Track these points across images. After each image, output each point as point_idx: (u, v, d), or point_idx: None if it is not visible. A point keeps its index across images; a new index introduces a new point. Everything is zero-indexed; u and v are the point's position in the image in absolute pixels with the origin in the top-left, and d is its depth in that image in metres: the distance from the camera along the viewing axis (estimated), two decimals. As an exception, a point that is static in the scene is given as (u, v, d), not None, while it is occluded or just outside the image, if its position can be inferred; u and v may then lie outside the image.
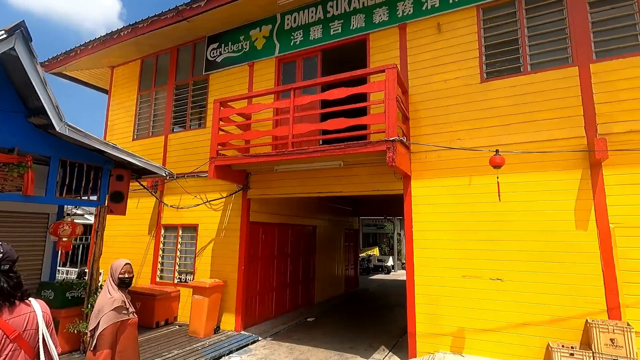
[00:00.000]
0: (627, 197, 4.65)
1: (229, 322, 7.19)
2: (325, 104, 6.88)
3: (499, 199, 4.77)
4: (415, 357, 5.52)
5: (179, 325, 7.42)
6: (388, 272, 18.50)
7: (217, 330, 6.95)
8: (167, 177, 8.25)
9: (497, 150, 4.78)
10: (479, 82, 5.76)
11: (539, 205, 5.07)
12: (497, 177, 4.80)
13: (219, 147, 6.70)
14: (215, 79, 8.52)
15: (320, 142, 7.03)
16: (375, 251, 20.41)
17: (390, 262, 18.82)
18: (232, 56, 8.33)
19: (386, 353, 6.13)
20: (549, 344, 4.68)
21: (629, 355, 4.17)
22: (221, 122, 6.87)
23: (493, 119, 5.56)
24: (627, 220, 4.61)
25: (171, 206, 8.17)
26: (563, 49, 5.33)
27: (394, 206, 13.02)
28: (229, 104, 6.99)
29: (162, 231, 8.47)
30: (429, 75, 6.18)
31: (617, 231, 4.64)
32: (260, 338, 6.90)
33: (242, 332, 7.02)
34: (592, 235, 4.76)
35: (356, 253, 13.92)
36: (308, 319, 8.54)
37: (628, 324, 4.32)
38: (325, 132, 6.46)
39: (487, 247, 5.30)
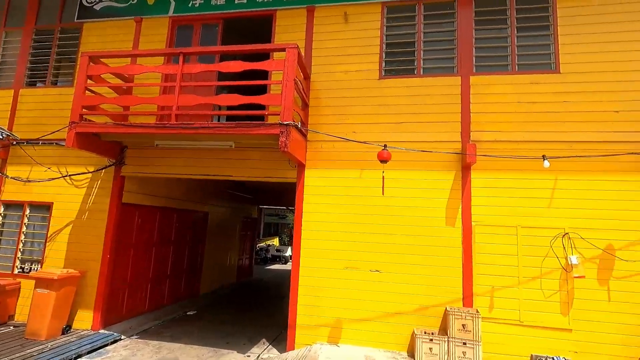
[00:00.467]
0: (487, 198, 5.22)
1: (86, 319, 6.07)
2: (227, 79, 6.26)
3: (383, 193, 4.89)
4: (294, 349, 5.40)
5: (14, 326, 5.99)
6: (285, 262, 18.54)
7: (66, 330, 5.79)
8: (13, 142, 6.63)
9: (385, 145, 4.88)
10: (377, 78, 5.85)
11: (417, 202, 5.38)
12: (383, 172, 4.91)
13: (84, 110, 5.51)
14: (92, 30, 7.07)
15: (224, 120, 6.40)
16: (275, 241, 20.27)
17: (288, 252, 18.87)
18: (115, 6, 7.01)
19: (266, 346, 5.90)
20: (414, 330, 5.01)
21: (475, 338, 4.69)
22: (90, 81, 5.69)
23: (387, 115, 5.71)
24: (485, 219, 5.18)
25: (14, 178, 6.53)
26: (450, 58, 5.73)
27: (293, 196, 12.96)
28: (102, 60, 5.81)
29: (2, 209, 6.74)
30: (332, 64, 6.06)
31: (476, 228, 5.19)
32: (123, 337, 5.99)
33: (102, 331, 6.00)
34: (457, 231, 5.23)
35: (253, 242, 13.50)
36: (188, 313, 7.84)
37: (477, 311, 4.86)
38: (230, 109, 5.81)
39: (370, 240, 5.44)
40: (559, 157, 5.02)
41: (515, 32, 5.57)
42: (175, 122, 5.13)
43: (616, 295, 4.75)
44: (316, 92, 6.04)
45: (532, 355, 4.78)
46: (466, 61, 5.61)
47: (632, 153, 4.84)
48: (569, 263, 4.82)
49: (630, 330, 4.65)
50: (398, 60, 5.91)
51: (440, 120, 5.52)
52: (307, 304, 5.48)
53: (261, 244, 19.12)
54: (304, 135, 5.77)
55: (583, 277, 4.72)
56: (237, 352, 5.62)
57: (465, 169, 5.32)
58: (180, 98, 5.20)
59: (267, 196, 14.04)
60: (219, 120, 7.88)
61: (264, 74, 6.07)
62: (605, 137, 5.02)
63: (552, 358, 4.69)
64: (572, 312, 4.80)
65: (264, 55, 6.02)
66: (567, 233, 4.93)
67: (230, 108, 5.99)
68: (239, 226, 12.04)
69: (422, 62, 5.79)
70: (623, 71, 5.14)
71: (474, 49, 5.65)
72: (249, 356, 5.49)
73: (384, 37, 5.98)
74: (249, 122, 5.04)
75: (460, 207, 5.27)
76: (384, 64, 5.91)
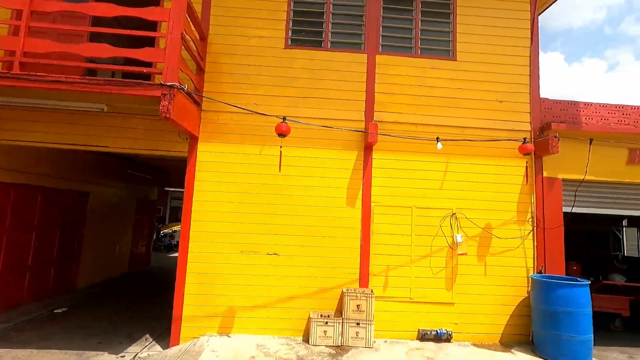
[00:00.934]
0: (386, 179, 5.24)
1: None
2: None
3: (280, 170, 4.53)
4: (178, 344, 4.81)
5: None
6: (194, 249, 17.27)
7: None
8: None
9: (284, 118, 4.50)
10: (283, 48, 5.40)
11: (319, 182, 5.16)
12: (281, 147, 4.54)
13: None
14: None
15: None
16: (183, 227, 18.72)
17: (197, 238, 17.58)
18: None
19: (148, 343, 5.17)
20: (310, 314, 4.82)
21: (368, 318, 4.70)
22: None
23: (291, 88, 5.32)
24: (383, 199, 5.20)
25: None
26: (358, 35, 5.55)
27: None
28: None
29: None
30: (234, 26, 5.41)
31: (375, 209, 5.18)
32: (-52, 347, 4.67)
33: None
34: (357, 212, 5.16)
35: (151, 228, 12.15)
36: (57, 310, 6.56)
37: (372, 291, 4.87)
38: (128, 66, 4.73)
39: (269, 221, 5.07)
40: (451, 140, 5.24)
41: (420, 16, 5.62)
42: (18, 72, 3.99)
43: (491, 269, 5.20)
44: (214, 56, 5.34)
45: (419, 329, 5.00)
46: (373, 39, 5.49)
47: (510, 140, 5.28)
48: (455, 241, 5.11)
49: (501, 301, 5.13)
50: (306, 31, 5.53)
51: (345, 98, 5.34)
52: (196, 293, 4.90)
53: (166, 230, 17.51)
54: (197, 104, 5.07)
55: (465, 254, 5.05)
56: (109, 353, 4.79)
57: (367, 149, 5.25)
58: (27, 42, 4.06)
59: (173, 177, 12.70)
60: (113, 77, 6.63)
61: (148, 26, 5.14)
62: (490, 125, 5.39)
63: (436, 331, 4.96)
64: (455, 287, 5.13)
65: (151, 3, 5.07)
66: (454, 213, 5.21)
67: (114, 63, 4.96)
68: (133, 209, 10.65)
69: (330, 35, 5.51)
70: (505, 64, 5.55)
71: (381, 28, 5.55)
72: (123, 356, 4.71)
73: (292, 4, 5.53)
74: (124, 80, 4.17)
75: (361, 187, 5.20)
76: (290, 33, 5.47)
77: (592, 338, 4.56)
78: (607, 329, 6.61)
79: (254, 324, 4.91)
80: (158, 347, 5.04)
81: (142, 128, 5.14)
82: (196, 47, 4.97)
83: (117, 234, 9.72)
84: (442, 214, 5.21)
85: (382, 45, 5.52)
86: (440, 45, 5.60)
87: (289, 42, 5.44)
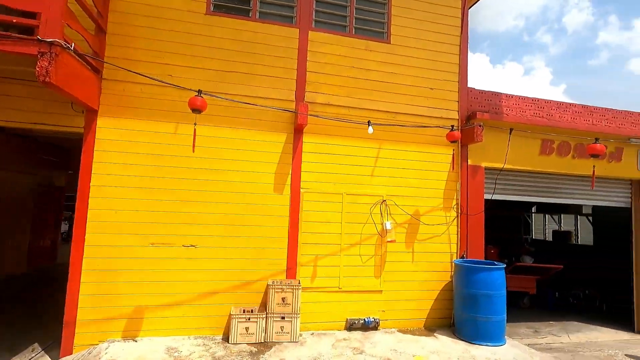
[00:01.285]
0: (316, 164, 4.96)
1: None
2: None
3: (193, 150, 3.98)
4: (71, 353, 4.09)
5: None
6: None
7: None
8: None
9: (199, 91, 3.94)
10: (204, 13, 4.77)
11: (244, 166, 4.71)
12: (195, 124, 3.99)
13: None
14: None
15: None
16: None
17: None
18: None
19: (34, 355, 4.34)
20: (231, 309, 4.42)
21: (293, 311, 4.42)
22: None
23: (214, 61, 4.74)
24: (314, 186, 4.93)
25: None
26: (290, 7, 5.11)
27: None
28: None
29: None
30: (145, -17, 4.63)
31: (305, 196, 4.89)
32: None
33: None
34: (285, 199, 4.82)
35: (57, 218, 10.60)
36: None
37: (299, 282, 4.60)
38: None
39: (185, 209, 4.50)
40: (382, 125, 5.10)
41: (355, -7, 5.35)
42: None
43: (418, 256, 5.24)
44: (120, 15, 4.53)
45: (347, 319, 4.87)
46: (306, 13, 5.10)
47: (439, 127, 5.31)
48: (384, 228, 5.04)
49: (426, 286, 5.21)
50: (231, -3, 4.95)
51: (274, 75, 4.90)
52: (94, 293, 4.19)
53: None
54: (97, 71, 4.27)
55: (394, 241, 5.00)
56: (-23, 372, 3.92)
57: (297, 132, 4.90)
58: None
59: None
60: (7, 31, 5.34)
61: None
62: (421, 111, 5.37)
63: (364, 319, 4.87)
64: (383, 274, 5.08)
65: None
66: (384, 200, 5.13)
67: None
68: (33, 197, 9.12)
69: (258, 4, 4.99)
70: (437, 52, 5.54)
71: (314, 3, 5.18)
72: (-4, 374, 3.89)
73: (216, -36, 4.90)
74: (-13, 32, 3.27)
75: (290, 172, 4.86)
76: (213, -3, 4.86)
77: (505, 317, 4.81)
78: (517, 306, 7.20)
79: (166, 324, 4.36)
80: (48, 358, 4.26)
81: (24, 96, 4.20)
82: (93, 1, 4.15)
83: (10, 227, 8.24)
84: (373, 201, 5.10)
85: (315, 21, 5.16)
86: (375, 27, 5.40)
87: (212, 8, 4.82)
